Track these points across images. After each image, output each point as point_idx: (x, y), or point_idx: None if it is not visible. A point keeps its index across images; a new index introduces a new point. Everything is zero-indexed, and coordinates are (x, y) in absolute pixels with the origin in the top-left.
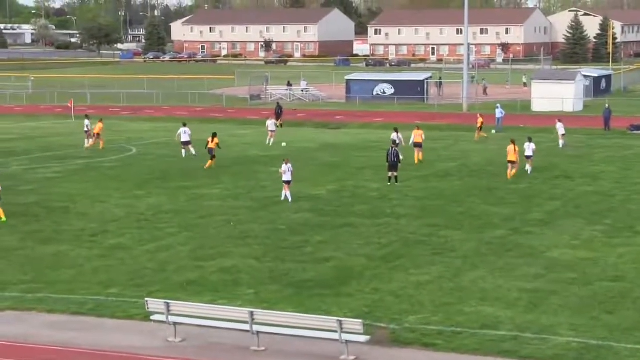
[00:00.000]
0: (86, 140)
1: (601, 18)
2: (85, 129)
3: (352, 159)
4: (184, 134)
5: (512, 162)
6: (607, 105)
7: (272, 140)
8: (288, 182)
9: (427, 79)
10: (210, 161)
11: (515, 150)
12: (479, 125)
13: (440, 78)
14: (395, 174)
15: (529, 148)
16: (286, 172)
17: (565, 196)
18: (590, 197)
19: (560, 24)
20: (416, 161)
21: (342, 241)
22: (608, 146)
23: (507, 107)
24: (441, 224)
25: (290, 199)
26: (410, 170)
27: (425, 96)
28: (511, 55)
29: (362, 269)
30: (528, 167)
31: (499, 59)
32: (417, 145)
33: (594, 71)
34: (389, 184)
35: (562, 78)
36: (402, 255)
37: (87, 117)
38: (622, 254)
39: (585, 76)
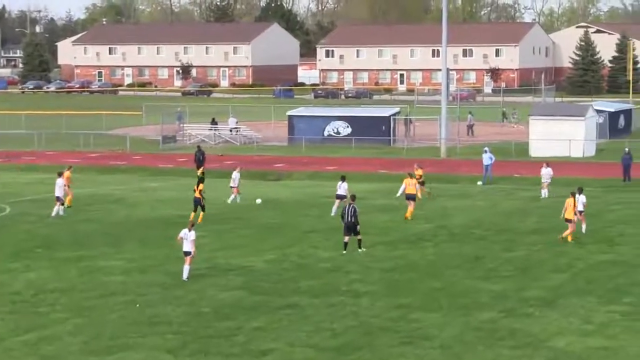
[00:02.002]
0: None
1: (618, 36)
2: None
3: (296, 220)
4: (58, 187)
5: (569, 221)
6: (626, 150)
7: (237, 197)
8: (188, 254)
9: (393, 115)
10: (202, 213)
11: (574, 205)
12: (417, 177)
13: (409, 113)
14: (359, 237)
15: (580, 202)
16: (186, 239)
17: (573, 267)
18: (606, 269)
19: (566, 43)
20: (408, 216)
21: (283, 328)
22: (628, 202)
23: (499, 152)
24: (413, 305)
25: (185, 276)
26: (372, 235)
27: (391, 137)
28: (503, 84)
29: None
30: (582, 226)
31: (488, 89)
32: (410, 197)
33: (609, 105)
34: (344, 252)
35: (568, 114)
36: (362, 346)
37: None
38: None
39: (598, 111)
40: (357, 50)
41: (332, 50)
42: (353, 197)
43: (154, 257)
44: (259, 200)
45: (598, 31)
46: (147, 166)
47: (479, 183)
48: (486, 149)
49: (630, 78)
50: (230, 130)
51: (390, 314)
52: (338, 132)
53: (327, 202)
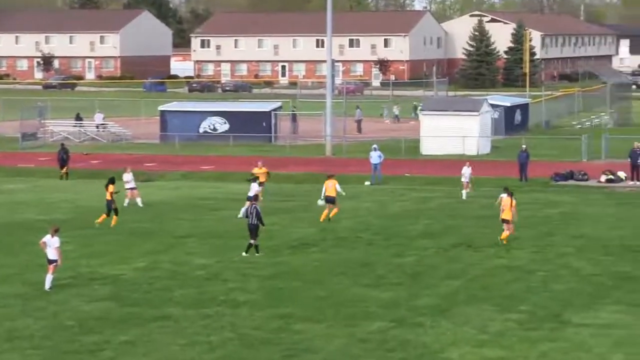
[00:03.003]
0: None
1: (514, 25)
2: None
3: (169, 224)
4: None
5: (507, 221)
6: (523, 147)
7: (137, 200)
8: (53, 262)
9: (275, 109)
10: (115, 216)
11: (512, 204)
12: (258, 176)
13: (294, 108)
14: (256, 242)
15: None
16: (50, 246)
17: (467, 273)
18: (502, 274)
19: (460, 33)
20: (323, 219)
21: (155, 341)
22: (525, 202)
23: (389, 150)
24: (296, 315)
25: (48, 286)
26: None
27: (273, 134)
28: (392, 77)
29: None
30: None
31: (376, 82)
32: (330, 200)
33: (505, 99)
34: (245, 254)
35: (462, 109)
36: None
37: None
38: (545, 353)
39: (493, 106)
40: (235, 40)
41: (208, 40)
42: (255, 198)
43: (13, 266)
44: (320, 202)
45: (493, 20)
46: (5, 166)
47: (367, 183)
48: (375, 146)
49: (527, 70)
50: (97, 127)
51: (271, 325)
52: (215, 129)
53: (203, 204)
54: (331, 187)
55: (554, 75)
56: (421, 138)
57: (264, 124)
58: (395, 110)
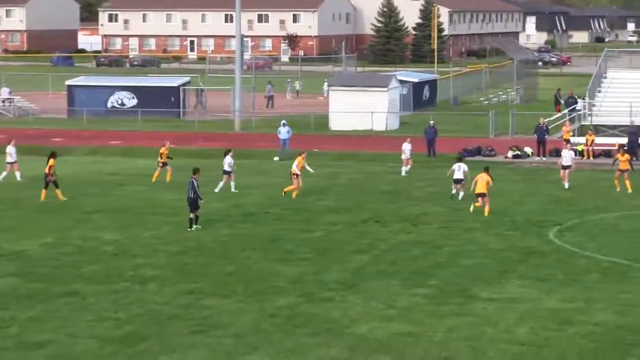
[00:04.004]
0: None
1: (422, 2)
2: None
3: (77, 200)
4: None
5: (482, 195)
6: (431, 123)
7: (15, 174)
8: None
9: (183, 85)
10: (44, 191)
11: (487, 180)
12: (161, 156)
13: (200, 84)
14: (197, 212)
15: (461, 170)
16: None
17: (375, 248)
18: (410, 249)
19: (368, 9)
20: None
21: (62, 317)
22: (433, 178)
23: (298, 125)
24: (205, 290)
25: None
26: (160, 215)
27: (181, 109)
28: (301, 52)
29: (93, 358)
30: (460, 193)
31: (285, 57)
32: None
33: (413, 75)
34: (190, 229)
35: (370, 84)
36: (149, 336)
37: None
38: (452, 327)
39: (402, 82)
40: (144, 15)
41: (116, 14)
42: (194, 171)
43: None
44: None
45: None
46: None
47: (276, 159)
48: (284, 122)
49: (435, 47)
50: (3, 102)
51: (180, 300)
52: (123, 104)
53: (111, 179)
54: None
55: (461, 51)
56: (330, 114)
57: (173, 99)
58: (297, 86)
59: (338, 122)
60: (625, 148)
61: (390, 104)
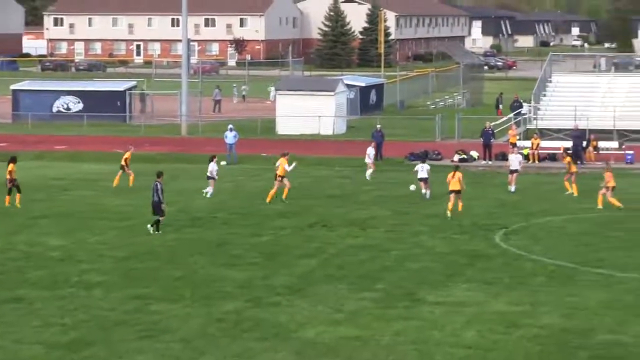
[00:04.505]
0: None
1: (369, 6)
2: None
3: (23, 205)
4: None
5: (457, 192)
6: (378, 127)
7: None
8: None
9: (129, 89)
10: (8, 196)
11: (459, 177)
12: (125, 161)
13: (144, 89)
14: (161, 217)
15: (424, 169)
16: None
17: (323, 252)
18: (357, 253)
19: (315, 13)
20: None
21: (8, 323)
22: (380, 182)
23: (245, 129)
24: (152, 295)
25: None
26: (106, 220)
27: (127, 113)
28: (248, 56)
29: None
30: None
31: (232, 62)
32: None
33: (360, 79)
34: (156, 232)
35: (317, 89)
36: (95, 342)
37: None
38: (400, 331)
39: (349, 86)
40: (89, 19)
41: (61, 19)
42: (158, 174)
43: None
44: (412, 187)
45: (348, 0)
46: None
47: (223, 163)
48: (231, 126)
49: (382, 51)
50: None
51: (126, 306)
52: (68, 108)
53: (57, 184)
54: (280, 165)
55: (408, 55)
56: (277, 118)
57: (119, 103)
58: (243, 91)
59: (285, 126)
60: (570, 151)
61: (338, 108)
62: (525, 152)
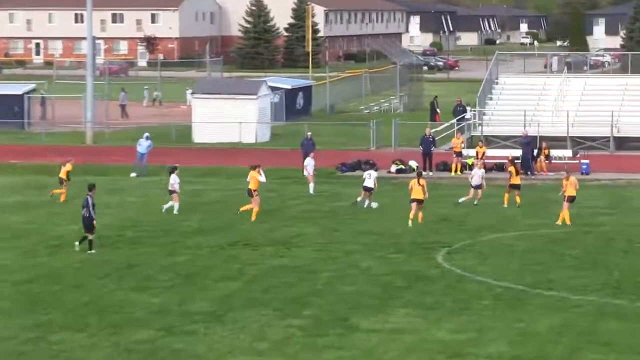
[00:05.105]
0: None
1: (295, 0)
2: None
3: None
4: None
5: (419, 202)
6: (308, 135)
7: None
8: None
9: (28, 92)
10: None
11: (422, 185)
12: (64, 173)
13: (44, 92)
14: (90, 236)
15: (372, 178)
16: None
17: (245, 274)
18: (283, 275)
19: (235, 8)
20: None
21: None
22: (308, 196)
23: (158, 137)
24: (55, 323)
25: None
26: (2, 240)
27: (26, 120)
28: (160, 56)
29: None
30: (372, 204)
31: (143, 61)
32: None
33: (286, 81)
34: (90, 252)
35: (238, 92)
36: None
37: None
38: None
39: (273, 89)
40: None
41: None
42: (90, 187)
43: None
44: (374, 205)
45: None
46: None
47: (133, 174)
48: (147, 134)
49: (310, 50)
50: None
51: (26, 335)
52: None
53: None
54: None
55: (339, 54)
56: (193, 124)
57: (16, 108)
58: (156, 96)
59: (202, 133)
60: (518, 161)
61: (260, 113)
62: (469, 161)
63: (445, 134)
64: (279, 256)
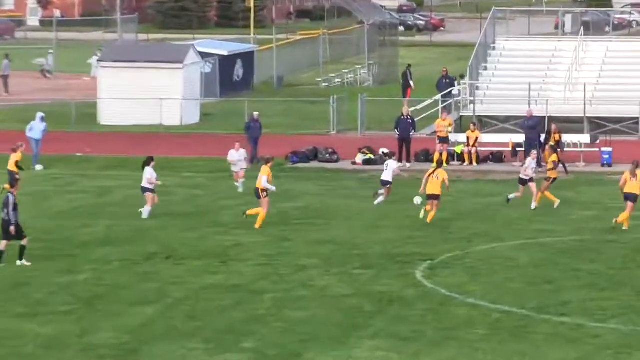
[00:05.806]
0: None
1: None
2: None
3: None
4: None
5: (435, 198)
6: (255, 115)
7: None
8: None
9: None
10: None
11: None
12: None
13: None
14: (23, 242)
15: (388, 168)
16: None
17: (166, 296)
18: (217, 297)
19: None
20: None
21: None
22: (249, 194)
23: (54, 118)
24: None
25: None
26: None
27: None
28: (57, 13)
29: None
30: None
31: (34, 20)
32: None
33: (220, 45)
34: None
35: (157, 59)
36: None
37: None
38: None
39: (203, 55)
40: None
41: None
42: (11, 183)
43: None
44: (417, 200)
45: None
46: None
47: (39, 167)
48: (42, 115)
49: (252, 5)
50: None
51: None
52: None
53: None
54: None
55: (289, 11)
56: (99, 101)
57: None
58: (44, 61)
59: (111, 113)
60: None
61: (187, 86)
62: (458, 149)
63: (428, 113)
64: (212, 273)
